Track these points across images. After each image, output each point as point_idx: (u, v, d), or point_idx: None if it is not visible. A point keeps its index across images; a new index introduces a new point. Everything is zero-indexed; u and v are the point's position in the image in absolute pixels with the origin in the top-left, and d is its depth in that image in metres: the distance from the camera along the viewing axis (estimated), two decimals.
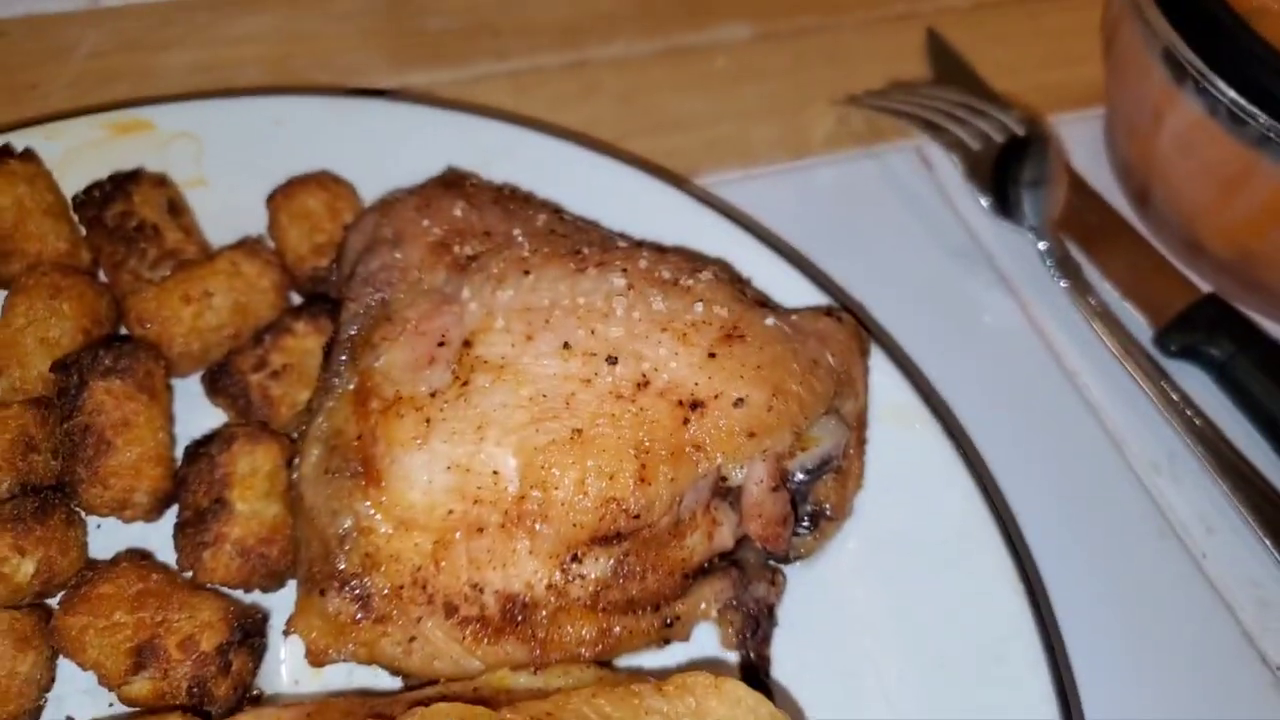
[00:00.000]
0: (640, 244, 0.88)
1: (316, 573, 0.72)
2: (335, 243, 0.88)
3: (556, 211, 0.89)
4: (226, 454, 0.75)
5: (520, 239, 0.82)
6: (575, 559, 0.71)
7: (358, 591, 0.70)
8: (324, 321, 0.82)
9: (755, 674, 0.77)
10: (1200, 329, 1.00)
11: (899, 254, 1.09)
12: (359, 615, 0.70)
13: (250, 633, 0.71)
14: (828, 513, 0.79)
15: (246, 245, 0.87)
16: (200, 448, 0.77)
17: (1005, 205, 1.08)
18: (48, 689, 0.70)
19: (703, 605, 0.75)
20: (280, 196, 0.91)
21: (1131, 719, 0.80)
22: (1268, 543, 0.87)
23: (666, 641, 0.75)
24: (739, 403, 0.72)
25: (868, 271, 1.03)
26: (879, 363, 0.86)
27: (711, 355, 0.74)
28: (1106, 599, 0.86)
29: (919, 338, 0.98)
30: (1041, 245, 1.06)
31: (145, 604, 0.69)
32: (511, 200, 0.88)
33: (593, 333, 0.74)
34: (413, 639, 0.71)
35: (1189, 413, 0.94)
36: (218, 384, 0.81)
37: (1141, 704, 0.81)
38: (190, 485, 0.75)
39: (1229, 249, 1.03)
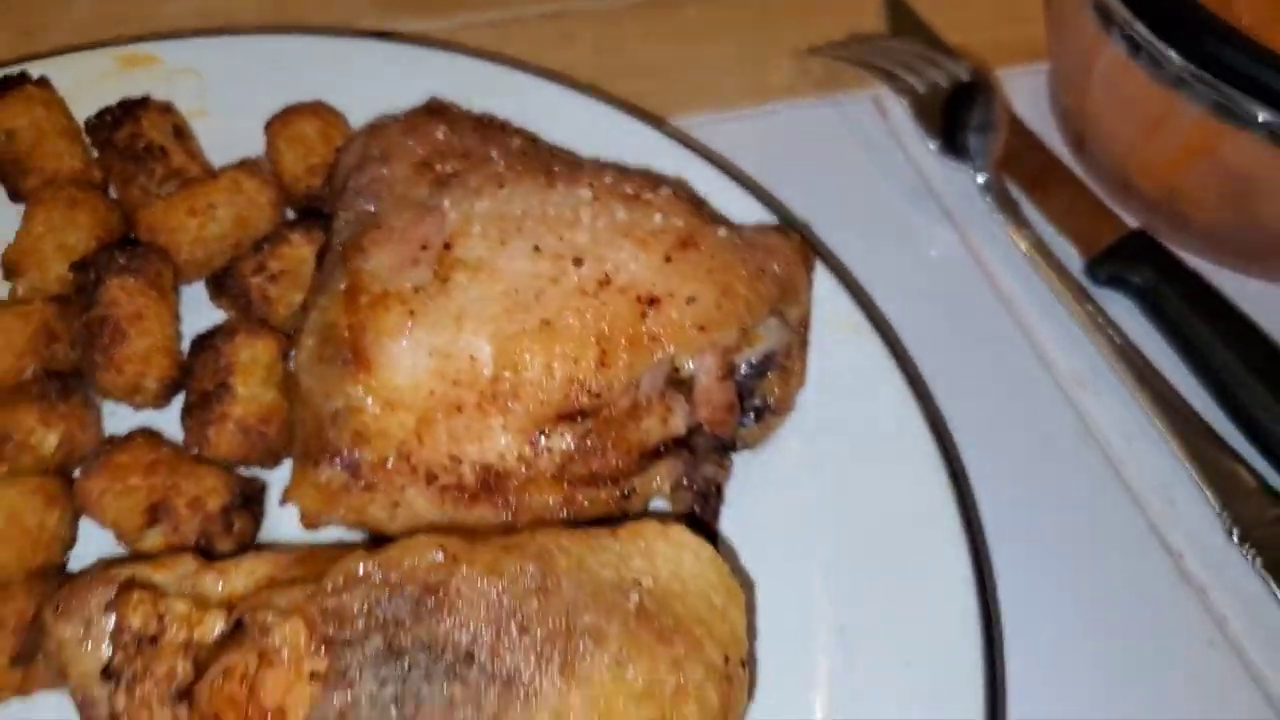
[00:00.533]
0: (606, 165, 0.96)
1: (311, 448, 0.80)
2: (328, 165, 0.96)
3: (531, 138, 0.98)
4: (230, 345, 0.84)
5: (496, 158, 0.90)
6: (543, 434, 0.79)
7: (348, 463, 0.78)
8: (317, 233, 0.90)
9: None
10: (1127, 259, 1.08)
11: (852, 192, 1.18)
12: (349, 484, 0.78)
13: (251, 499, 0.79)
14: (772, 407, 0.88)
15: (246, 165, 0.95)
16: (206, 340, 0.85)
17: (952, 147, 1.17)
18: (70, 546, 0.79)
19: (657, 481, 0.84)
20: (278, 123, 0.99)
21: (1042, 596, 0.89)
22: (1177, 450, 0.96)
23: (625, 514, 0.84)
24: (691, 300, 0.81)
25: (822, 207, 1.11)
26: (822, 276, 0.95)
27: (668, 259, 0.83)
28: (1028, 496, 0.94)
29: (866, 265, 1.06)
30: (981, 180, 1.14)
31: (157, 471, 0.77)
32: (489, 127, 0.96)
33: (560, 238, 0.82)
34: (397, 505, 0.79)
35: (1112, 333, 1.02)
36: (221, 286, 0.89)
37: (1051, 583, 0.89)
38: (197, 373, 0.83)
39: (1155, 187, 1.11)
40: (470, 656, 0.61)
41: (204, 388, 0.83)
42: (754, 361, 0.85)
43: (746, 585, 0.73)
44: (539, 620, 0.63)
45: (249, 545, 0.79)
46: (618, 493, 0.82)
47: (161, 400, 0.85)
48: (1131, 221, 1.13)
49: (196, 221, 0.90)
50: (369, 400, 0.79)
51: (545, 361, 0.78)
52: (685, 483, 0.85)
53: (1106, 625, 0.87)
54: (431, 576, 0.63)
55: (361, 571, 0.64)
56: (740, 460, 0.89)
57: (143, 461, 0.78)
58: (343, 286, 0.83)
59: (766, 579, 0.84)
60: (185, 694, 0.59)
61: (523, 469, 0.79)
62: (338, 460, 0.79)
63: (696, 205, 0.90)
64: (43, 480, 0.76)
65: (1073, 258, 1.11)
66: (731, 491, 0.87)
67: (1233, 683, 0.84)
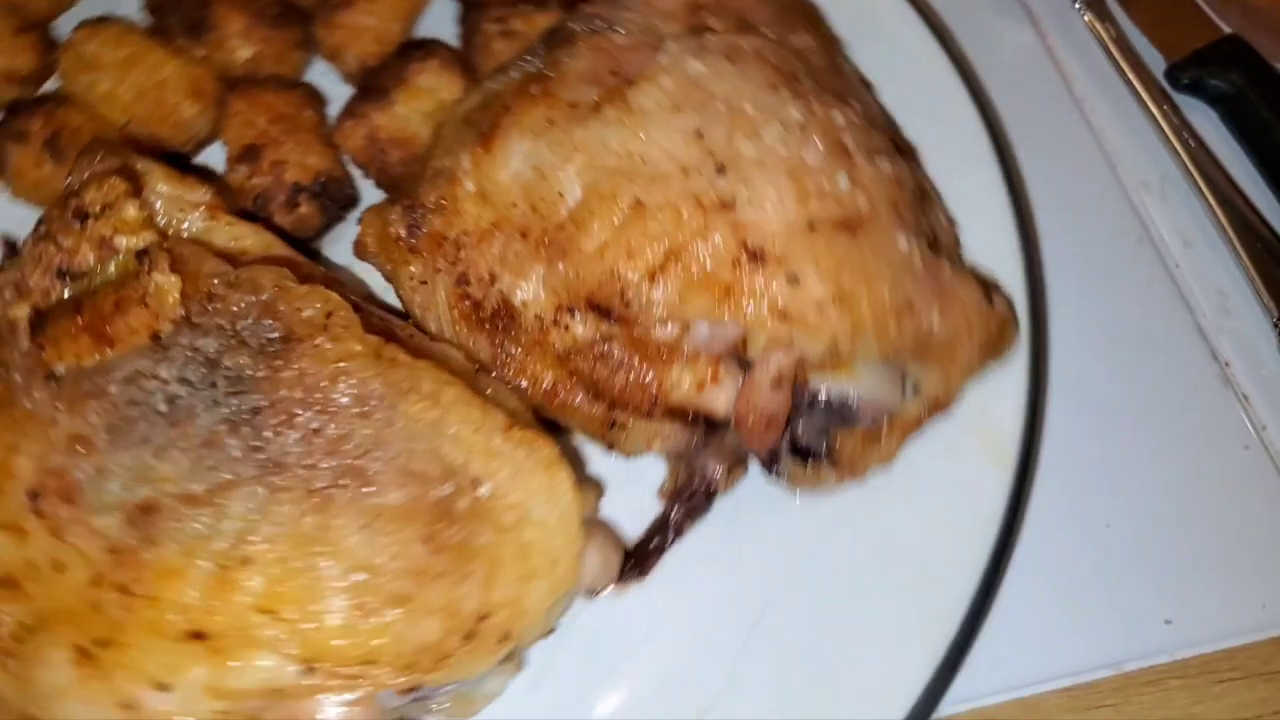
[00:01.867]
0: (877, 117, 0.80)
1: (406, 188, 0.79)
2: None
3: (830, 45, 0.84)
4: (421, 64, 0.83)
5: (765, 36, 0.79)
6: (569, 310, 0.71)
7: (415, 218, 0.76)
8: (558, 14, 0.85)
9: (652, 538, 0.74)
10: (1214, 64, 0.99)
11: None
12: (403, 237, 0.76)
13: (332, 198, 0.80)
14: (832, 457, 0.71)
15: None
16: (411, 47, 0.85)
17: None
18: (195, 144, 0.85)
19: (655, 438, 0.72)
20: None
21: (1088, 390, 0.87)
22: (1241, 257, 0.91)
23: (610, 445, 0.74)
24: (794, 279, 0.66)
25: None
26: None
27: (811, 227, 0.68)
28: (1080, 287, 0.91)
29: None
30: None
31: (281, 123, 0.80)
32: (796, 12, 0.84)
33: (729, 140, 0.70)
34: (424, 282, 0.75)
35: (1187, 137, 0.97)
36: (465, 20, 0.88)
37: (1096, 378, 0.88)
38: (381, 69, 0.84)
39: None
40: (256, 414, 0.57)
41: (374, 84, 0.83)
42: (829, 398, 0.69)
43: (579, 580, 0.61)
44: (338, 438, 0.57)
45: (303, 236, 0.80)
46: (608, 418, 0.72)
47: (353, 78, 0.87)
48: (1224, 28, 1.02)
49: None
50: (469, 178, 0.75)
51: (606, 238, 0.68)
52: (680, 463, 0.73)
53: (1148, 421, 0.87)
54: (301, 330, 0.60)
55: (268, 288, 0.61)
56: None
57: (281, 108, 0.80)
58: (532, 70, 0.79)
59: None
60: (62, 276, 0.61)
61: (534, 330, 0.72)
62: (411, 211, 0.76)
63: (912, 205, 0.73)
64: (204, 74, 0.82)
65: (1154, 59, 1.03)
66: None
67: (1264, 486, 0.85)
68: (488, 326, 0.73)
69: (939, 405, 0.72)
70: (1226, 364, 0.89)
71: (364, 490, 0.56)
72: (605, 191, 0.69)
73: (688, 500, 0.73)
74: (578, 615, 0.70)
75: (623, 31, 0.78)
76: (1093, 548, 0.82)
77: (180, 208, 0.69)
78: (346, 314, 0.61)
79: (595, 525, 0.65)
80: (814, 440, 0.71)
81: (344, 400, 0.58)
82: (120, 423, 0.58)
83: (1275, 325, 0.89)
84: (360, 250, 0.79)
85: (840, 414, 0.70)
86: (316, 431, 0.57)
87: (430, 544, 0.56)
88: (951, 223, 0.80)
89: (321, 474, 0.56)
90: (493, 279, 0.73)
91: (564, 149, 0.72)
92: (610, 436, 0.73)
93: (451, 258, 0.74)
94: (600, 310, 0.70)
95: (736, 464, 0.73)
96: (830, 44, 0.85)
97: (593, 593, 0.68)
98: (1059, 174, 0.97)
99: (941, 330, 0.69)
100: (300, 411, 0.57)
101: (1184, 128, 0.97)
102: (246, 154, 0.79)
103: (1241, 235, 0.92)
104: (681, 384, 0.71)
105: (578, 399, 0.72)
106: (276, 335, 0.60)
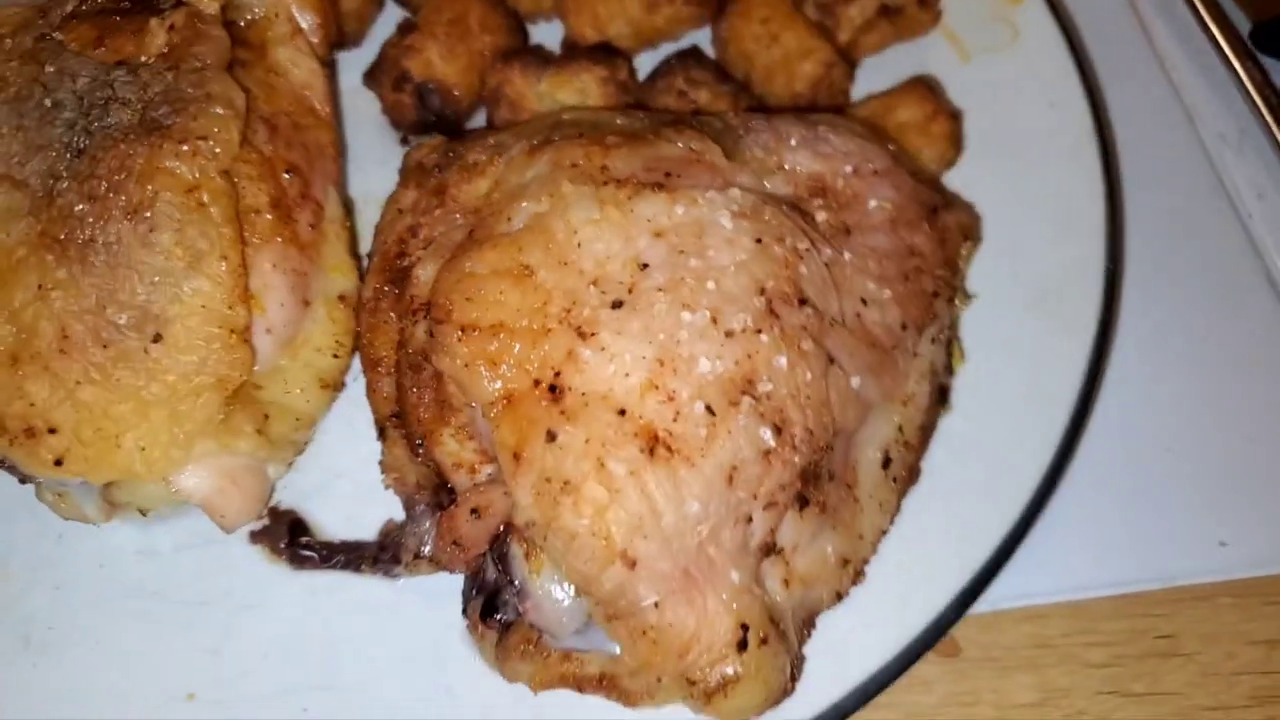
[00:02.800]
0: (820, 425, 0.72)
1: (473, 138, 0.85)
2: None
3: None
4: (589, 66, 0.91)
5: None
6: (424, 309, 0.74)
7: (445, 161, 0.82)
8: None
9: (333, 550, 0.79)
10: None
11: None
12: (425, 165, 0.83)
13: (429, 105, 0.93)
14: (505, 643, 0.71)
15: None
16: (612, 52, 0.94)
17: None
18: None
19: (405, 469, 0.76)
20: None
21: (1158, 326, 0.94)
22: None
23: (380, 436, 0.78)
24: (554, 439, 0.66)
25: None
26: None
27: (620, 413, 0.67)
28: (1154, 231, 0.98)
29: None
30: None
31: (460, 26, 0.93)
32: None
33: (655, 294, 0.69)
34: (401, 211, 0.82)
35: (1269, 93, 1.02)
36: (665, 65, 0.96)
37: (1166, 316, 0.95)
38: (576, 47, 0.95)
39: None
40: (85, 155, 0.70)
41: (549, 52, 0.95)
42: (509, 569, 0.69)
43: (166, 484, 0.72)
44: (102, 221, 0.70)
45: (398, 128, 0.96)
46: (386, 418, 0.78)
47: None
48: None
49: None
50: (500, 164, 0.80)
51: (485, 269, 0.71)
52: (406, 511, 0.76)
53: (1215, 358, 0.93)
54: (176, 131, 0.71)
55: (197, 89, 0.73)
56: None
57: (478, 19, 0.93)
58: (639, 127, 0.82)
59: None
60: None
61: (406, 307, 0.77)
62: (449, 154, 0.83)
63: (759, 487, 0.68)
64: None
65: (1240, 19, 1.09)
66: None
67: None
68: (390, 277, 0.79)
69: (614, 684, 0.69)
70: None
71: (78, 267, 0.68)
72: (525, 239, 0.71)
73: (379, 551, 0.78)
74: None
75: (723, 147, 0.79)
76: (1153, 469, 0.88)
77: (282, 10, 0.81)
78: (224, 144, 0.71)
79: (247, 465, 0.72)
80: (498, 598, 0.70)
81: (132, 198, 0.68)
82: (20, 95, 0.71)
83: None
84: (406, 159, 0.85)
85: (511, 591, 0.69)
86: (98, 202, 0.68)
87: (77, 353, 0.68)
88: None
89: (73, 230, 0.68)
90: (426, 244, 0.78)
91: (549, 186, 0.74)
92: (383, 436, 0.78)
93: (430, 207, 0.80)
94: (433, 324, 0.71)
95: (429, 560, 0.74)
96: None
97: (220, 522, 0.73)
98: (1138, 124, 1.03)
99: (653, 623, 0.65)
100: (108, 178, 0.68)
101: (1266, 84, 1.02)
102: (407, 27, 0.92)
103: None
104: (447, 446, 0.73)
105: (384, 385, 0.78)
106: (162, 118, 0.70)
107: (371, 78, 0.94)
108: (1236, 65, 1.03)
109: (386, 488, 0.76)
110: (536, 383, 0.67)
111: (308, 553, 0.78)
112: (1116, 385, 0.90)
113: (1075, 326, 0.85)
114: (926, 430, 0.80)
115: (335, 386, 0.79)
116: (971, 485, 0.80)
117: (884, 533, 0.77)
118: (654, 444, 0.65)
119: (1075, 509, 0.85)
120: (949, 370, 0.83)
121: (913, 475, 0.79)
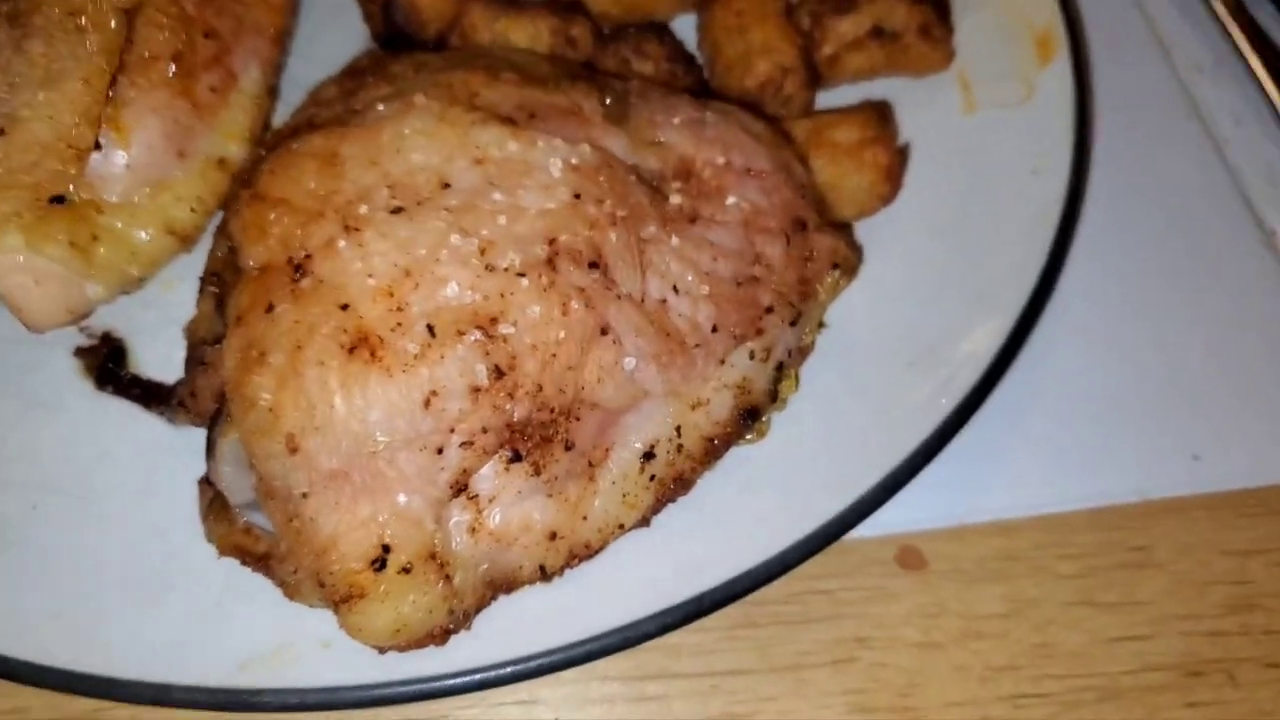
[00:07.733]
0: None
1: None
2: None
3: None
4: (530, 15, 0.92)
5: None
6: None
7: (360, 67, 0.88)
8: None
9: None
10: None
11: None
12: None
13: (390, 16, 0.93)
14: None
15: None
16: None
17: None
18: None
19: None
20: None
21: (1133, 242, 0.95)
22: None
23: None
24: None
25: None
26: None
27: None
28: (1127, 158, 0.99)
29: None
30: None
31: None
32: None
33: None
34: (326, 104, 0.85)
35: (1246, 21, 1.02)
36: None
37: (1141, 235, 0.95)
38: None
39: None
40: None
41: None
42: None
43: None
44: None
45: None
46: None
47: None
48: None
49: None
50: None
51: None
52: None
53: (1191, 275, 0.94)
54: None
55: None
56: None
57: None
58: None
59: None
60: None
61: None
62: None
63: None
64: None
65: None
66: None
67: None
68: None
69: (271, 569, 0.71)
70: (1273, 231, 0.96)
71: None
72: (353, 133, 0.74)
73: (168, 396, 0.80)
74: None
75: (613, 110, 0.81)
76: (1126, 385, 0.88)
77: None
78: None
79: (59, 274, 0.75)
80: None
81: (19, 5, 0.75)
82: None
83: None
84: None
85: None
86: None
87: None
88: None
89: None
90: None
91: (407, 94, 0.77)
92: (201, 290, 0.80)
93: (334, 100, 0.82)
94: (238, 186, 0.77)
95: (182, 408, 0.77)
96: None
97: (19, 315, 0.77)
98: (1111, 56, 1.04)
99: (298, 512, 0.66)
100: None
101: (1239, 10, 1.03)
102: None
103: None
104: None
105: (220, 245, 0.79)
106: None
107: None
108: None
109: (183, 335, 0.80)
110: (290, 261, 0.68)
111: (111, 378, 0.83)
112: (1088, 300, 0.91)
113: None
114: (714, 444, 0.75)
115: (184, 238, 0.82)
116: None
117: (621, 527, 0.72)
118: (360, 345, 0.65)
119: (1047, 425, 0.86)
120: (772, 396, 0.77)
121: (681, 484, 0.74)
